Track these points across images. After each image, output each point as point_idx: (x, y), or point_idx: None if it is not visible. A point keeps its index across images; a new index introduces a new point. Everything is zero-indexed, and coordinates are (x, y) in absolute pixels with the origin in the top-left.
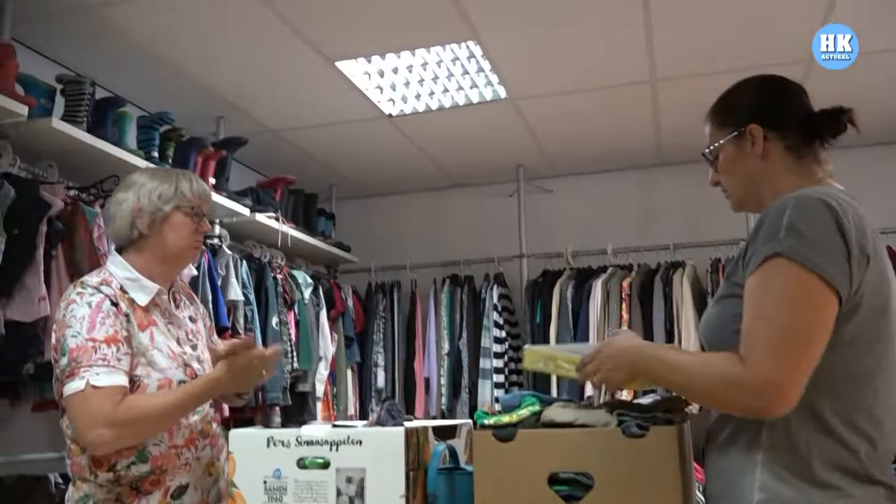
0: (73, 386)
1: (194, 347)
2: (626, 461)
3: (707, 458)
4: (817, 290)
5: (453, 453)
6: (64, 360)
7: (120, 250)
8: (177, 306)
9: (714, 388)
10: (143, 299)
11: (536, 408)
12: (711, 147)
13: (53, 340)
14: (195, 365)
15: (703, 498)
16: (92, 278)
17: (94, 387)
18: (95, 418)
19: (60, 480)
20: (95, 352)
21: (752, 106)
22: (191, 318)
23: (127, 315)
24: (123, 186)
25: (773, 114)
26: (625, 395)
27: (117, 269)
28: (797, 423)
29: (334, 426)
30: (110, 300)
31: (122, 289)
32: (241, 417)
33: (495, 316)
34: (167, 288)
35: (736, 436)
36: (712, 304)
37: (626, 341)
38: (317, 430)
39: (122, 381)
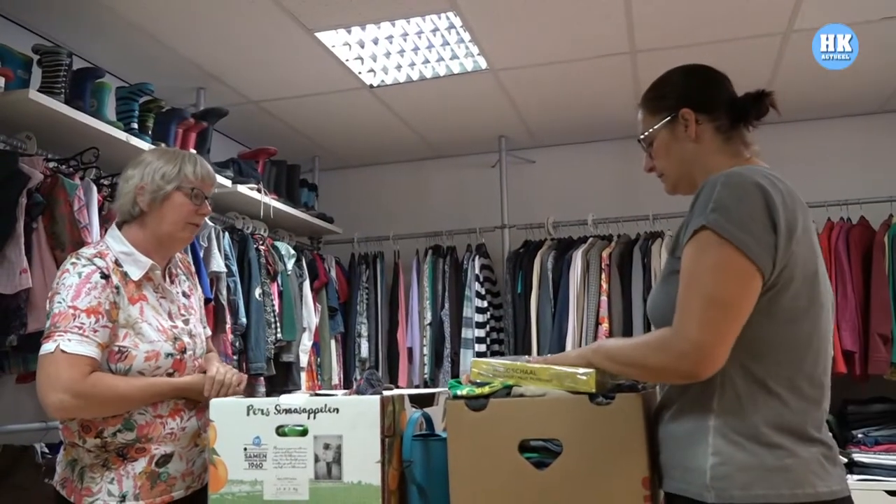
0: (45, 348)
1: (186, 322)
2: (593, 428)
3: (659, 429)
4: (739, 264)
5: (429, 421)
6: (48, 323)
7: (121, 225)
8: (172, 281)
9: (646, 356)
10: (135, 274)
11: (509, 382)
12: (646, 133)
13: (47, 307)
14: (185, 339)
15: None
16: (88, 250)
17: (63, 352)
18: (58, 382)
19: (46, 450)
20: (74, 319)
21: (682, 92)
22: (185, 294)
23: (117, 288)
24: (133, 164)
25: (703, 98)
26: None
27: (114, 242)
28: (745, 390)
29: (312, 395)
30: (101, 272)
31: (116, 262)
32: None
33: (477, 286)
34: (163, 264)
35: (687, 405)
36: (658, 284)
37: (569, 356)
38: (295, 398)
39: (93, 352)
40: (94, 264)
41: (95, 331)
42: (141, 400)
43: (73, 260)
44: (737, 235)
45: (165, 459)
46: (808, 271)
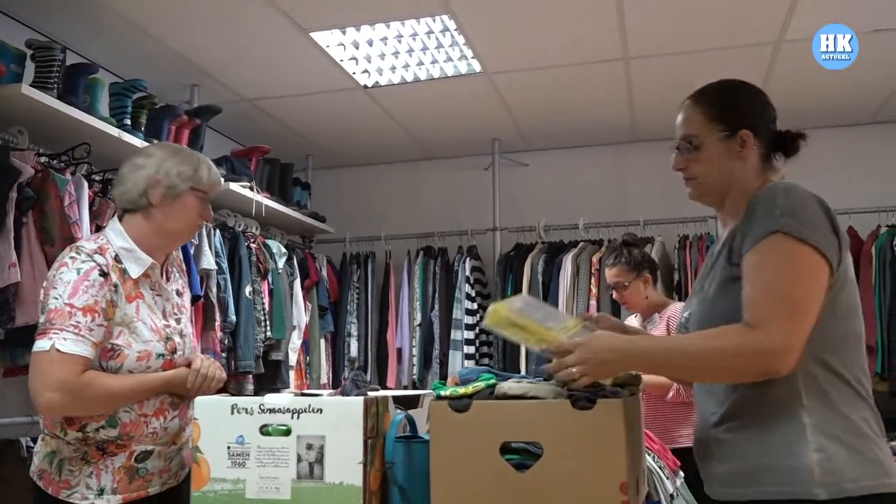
0: (39, 344)
1: (178, 321)
2: (574, 432)
3: (729, 437)
4: (814, 262)
5: (412, 423)
6: (42, 319)
7: (122, 216)
8: (167, 279)
9: (727, 359)
10: (135, 271)
11: (492, 381)
12: (696, 136)
13: (41, 298)
14: (176, 339)
15: (655, 465)
16: (89, 244)
17: (59, 351)
18: (51, 381)
19: (32, 444)
20: (70, 317)
21: (748, 113)
22: (178, 292)
23: (116, 286)
24: (143, 153)
25: (759, 124)
26: None
27: (115, 237)
28: (828, 384)
29: (297, 395)
30: (100, 270)
31: (116, 258)
32: None
33: (467, 288)
34: (161, 260)
35: (769, 407)
36: (715, 292)
37: (609, 339)
38: (279, 398)
39: (88, 352)
40: (94, 261)
41: (91, 330)
42: (130, 398)
43: (73, 254)
44: (811, 236)
45: (145, 456)
46: (850, 274)
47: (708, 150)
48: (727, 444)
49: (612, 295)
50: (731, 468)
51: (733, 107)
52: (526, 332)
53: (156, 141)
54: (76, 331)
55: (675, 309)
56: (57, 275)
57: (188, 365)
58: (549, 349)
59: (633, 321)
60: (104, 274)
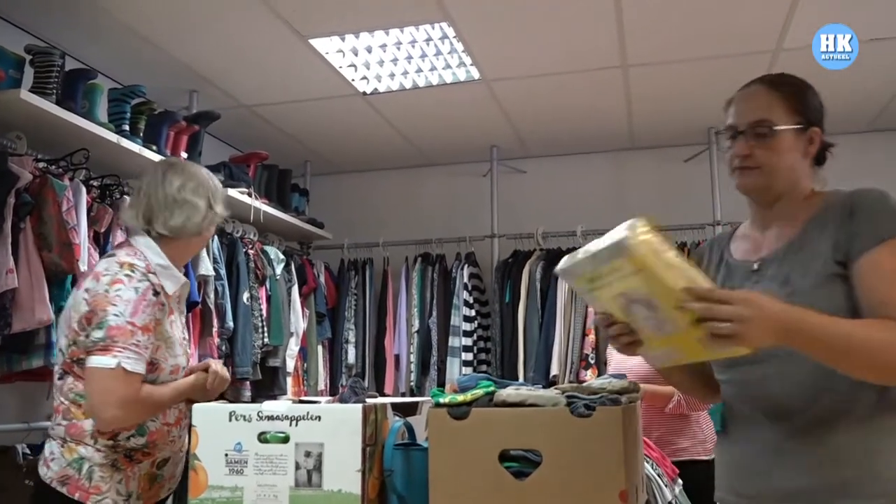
0: (104, 361)
1: (183, 332)
2: (573, 439)
3: (836, 444)
4: None
5: (411, 430)
6: (99, 333)
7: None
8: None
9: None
10: (171, 288)
11: (491, 388)
12: (771, 122)
13: (87, 310)
14: (188, 350)
15: (653, 473)
16: (136, 261)
17: (125, 370)
18: (116, 399)
19: (28, 451)
20: (132, 336)
21: (820, 112)
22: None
23: (163, 304)
24: (192, 178)
25: (821, 128)
26: (589, 375)
27: (152, 254)
28: None
29: (295, 402)
30: (154, 289)
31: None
32: None
33: (465, 295)
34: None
35: (873, 411)
36: (815, 287)
37: (779, 303)
38: (277, 405)
39: (144, 369)
40: (149, 280)
41: (146, 348)
42: (173, 400)
43: (128, 272)
44: None
45: (163, 462)
46: None
47: (781, 140)
48: (827, 449)
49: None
50: (837, 476)
51: (809, 101)
52: (668, 270)
53: (154, 147)
54: (137, 349)
55: None
56: (113, 291)
57: (205, 369)
58: (698, 293)
59: None
60: (157, 293)
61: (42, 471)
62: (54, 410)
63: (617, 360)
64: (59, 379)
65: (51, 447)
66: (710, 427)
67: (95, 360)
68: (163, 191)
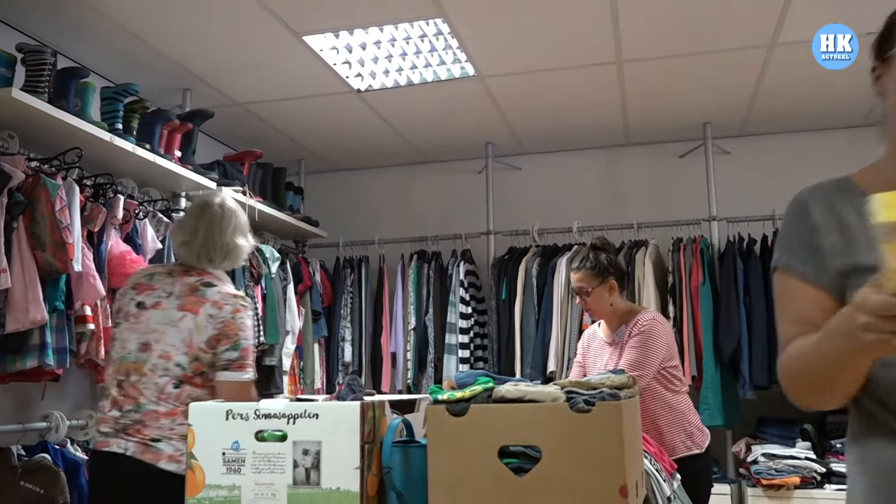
0: (242, 376)
1: None
2: (572, 435)
3: None
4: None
5: (409, 427)
6: (234, 354)
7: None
8: None
9: None
10: None
11: (489, 384)
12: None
13: (215, 333)
14: None
15: (652, 468)
16: (240, 293)
17: (252, 382)
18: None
19: (23, 452)
20: (253, 354)
21: None
22: None
23: None
24: (236, 218)
25: None
26: None
27: (233, 288)
28: None
29: (293, 400)
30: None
31: None
32: None
33: (461, 292)
34: None
35: None
36: None
37: None
38: (274, 403)
39: None
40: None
41: None
42: None
43: (244, 303)
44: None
45: None
46: None
47: None
48: None
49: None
50: None
51: None
52: None
53: (147, 145)
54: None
55: (646, 318)
56: (238, 318)
57: None
58: None
59: (598, 330)
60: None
61: (171, 466)
62: (169, 414)
63: (590, 358)
64: (175, 388)
65: (175, 445)
66: (697, 416)
67: (234, 375)
68: (220, 238)
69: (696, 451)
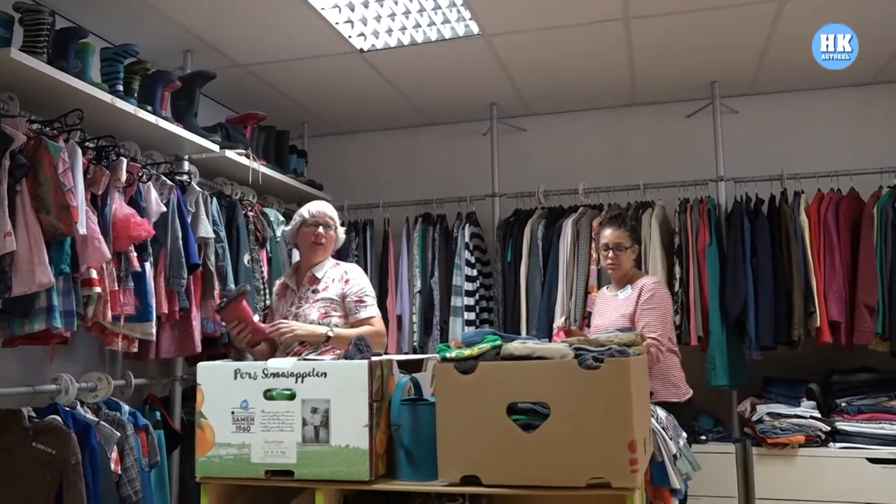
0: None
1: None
2: (581, 391)
3: None
4: None
5: (417, 386)
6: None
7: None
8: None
9: None
10: None
11: (497, 342)
12: None
13: (355, 286)
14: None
15: (658, 426)
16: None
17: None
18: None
19: (34, 414)
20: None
21: None
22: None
23: None
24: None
25: None
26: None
27: None
28: None
29: (300, 359)
30: None
31: None
32: (215, 353)
33: (467, 255)
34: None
35: None
36: None
37: None
38: (283, 362)
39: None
40: None
41: None
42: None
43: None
44: None
45: None
46: None
47: None
48: None
49: (608, 256)
50: None
51: None
52: None
53: (149, 107)
54: None
55: (648, 281)
56: (363, 279)
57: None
58: None
59: (605, 292)
60: None
61: None
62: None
63: (597, 310)
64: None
65: None
66: (682, 374)
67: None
68: None
69: (674, 400)
